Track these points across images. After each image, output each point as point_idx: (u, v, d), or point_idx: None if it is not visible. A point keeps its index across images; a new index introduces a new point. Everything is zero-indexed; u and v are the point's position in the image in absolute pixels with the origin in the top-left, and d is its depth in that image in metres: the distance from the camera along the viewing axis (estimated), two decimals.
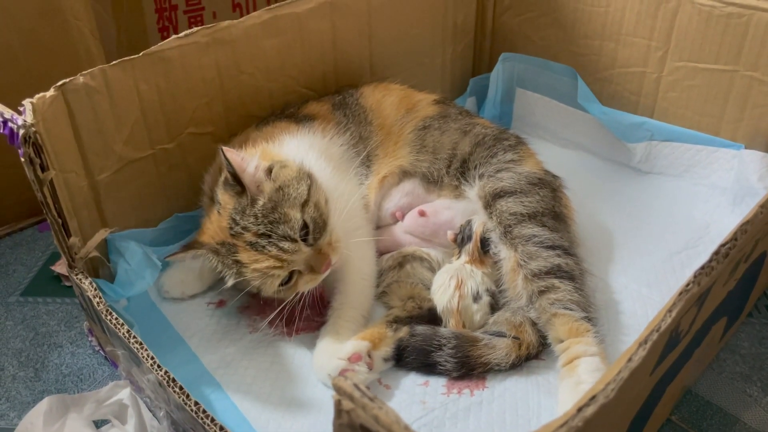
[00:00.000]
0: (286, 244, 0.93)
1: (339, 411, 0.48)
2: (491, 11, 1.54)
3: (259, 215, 0.93)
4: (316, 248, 0.96)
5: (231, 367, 1.00)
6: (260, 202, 0.94)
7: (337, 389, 0.48)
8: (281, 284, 0.96)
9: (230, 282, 0.98)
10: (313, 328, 1.06)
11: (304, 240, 0.95)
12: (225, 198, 0.96)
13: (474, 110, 1.58)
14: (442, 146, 1.18)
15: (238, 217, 0.94)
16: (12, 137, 0.86)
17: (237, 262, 0.95)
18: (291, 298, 0.98)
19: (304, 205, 0.96)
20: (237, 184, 0.95)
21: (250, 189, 0.94)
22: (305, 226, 0.95)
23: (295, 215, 0.94)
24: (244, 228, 0.94)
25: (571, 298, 0.98)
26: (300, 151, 1.06)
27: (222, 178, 0.98)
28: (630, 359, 0.55)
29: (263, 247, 0.93)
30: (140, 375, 0.90)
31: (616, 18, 1.34)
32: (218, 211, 0.97)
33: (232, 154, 0.94)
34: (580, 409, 0.48)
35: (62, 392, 1.04)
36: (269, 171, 0.97)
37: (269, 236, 0.93)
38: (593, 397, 0.50)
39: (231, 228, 0.94)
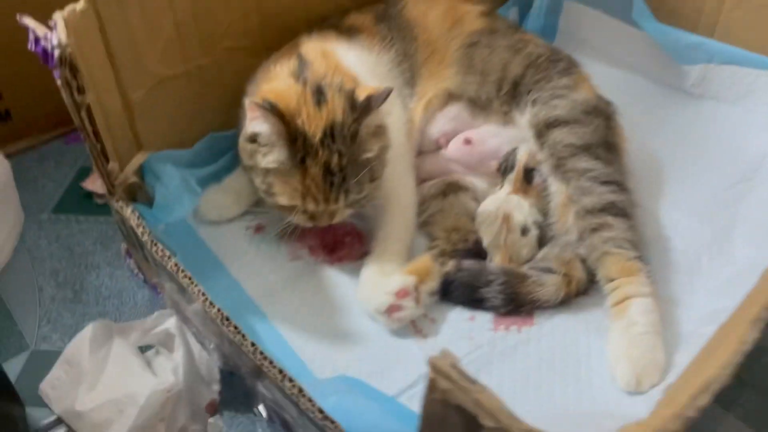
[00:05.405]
0: (340, 198, 0.91)
1: (433, 387, 0.46)
2: None
3: (358, 162, 0.90)
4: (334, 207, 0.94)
5: (274, 296, 0.99)
6: (365, 155, 0.91)
7: (433, 367, 0.46)
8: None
9: (263, 163, 0.91)
10: (355, 257, 1.04)
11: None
12: (337, 102, 0.90)
13: (515, 21, 1.48)
14: (491, 67, 1.11)
15: (339, 139, 0.89)
16: (46, 58, 0.79)
17: (300, 162, 0.89)
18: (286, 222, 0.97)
19: (374, 180, 0.94)
20: (362, 112, 0.89)
21: (363, 131, 0.91)
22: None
23: (366, 187, 0.93)
24: (339, 153, 0.89)
25: (625, 236, 0.95)
26: (357, 67, 1.01)
27: (347, 89, 0.92)
28: (743, 342, 0.51)
29: (331, 183, 0.89)
30: (187, 306, 0.89)
31: None
32: (318, 102, 0.90)
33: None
34: (694, 398, 0.46)
35: (103, 315, 1.04)
36: (379, 126, 0.94)
37: (344, 180, 0.89)
38: (707, 385, 0.47)
39: (325, 136, 0.89)
